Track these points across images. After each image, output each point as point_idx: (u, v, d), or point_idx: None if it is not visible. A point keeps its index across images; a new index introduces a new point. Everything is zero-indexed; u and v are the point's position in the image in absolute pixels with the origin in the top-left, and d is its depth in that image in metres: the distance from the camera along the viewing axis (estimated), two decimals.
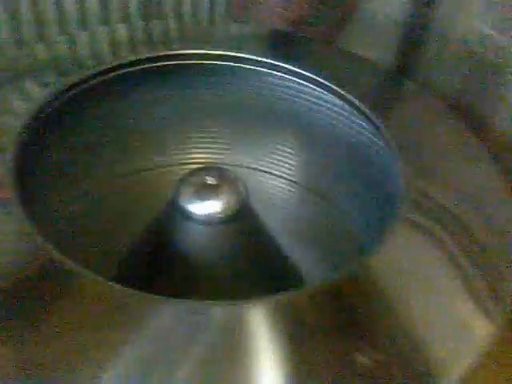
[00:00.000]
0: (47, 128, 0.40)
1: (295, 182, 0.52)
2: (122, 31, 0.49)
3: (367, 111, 0.42)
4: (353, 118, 0.44)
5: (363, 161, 0.45)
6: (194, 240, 0.40)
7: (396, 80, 0.51)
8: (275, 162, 0.53)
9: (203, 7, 0.62)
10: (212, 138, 0.54)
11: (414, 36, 0.58)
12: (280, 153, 0.53)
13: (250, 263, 0.41)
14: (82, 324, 0.27)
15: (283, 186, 0.52)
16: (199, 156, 0.53)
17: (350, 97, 0.44)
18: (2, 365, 0.25)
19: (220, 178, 0.39)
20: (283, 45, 0.52)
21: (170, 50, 0.47)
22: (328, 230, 0.48)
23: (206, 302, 0.28)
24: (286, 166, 0.53)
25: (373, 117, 0.42)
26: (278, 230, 0.44)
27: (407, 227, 0.34)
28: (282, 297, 0.29)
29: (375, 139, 0.42)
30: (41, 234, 0.31)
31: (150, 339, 0.26)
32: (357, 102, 0.43)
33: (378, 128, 0.41)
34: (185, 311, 0.27)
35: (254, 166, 0.53)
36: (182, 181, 0.39)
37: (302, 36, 0.56)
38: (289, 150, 0.53)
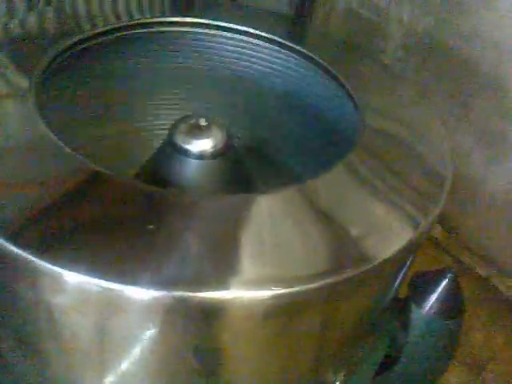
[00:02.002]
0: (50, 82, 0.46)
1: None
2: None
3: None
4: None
5: (319, 117, 0.54)
6: (187, 172, 0.47)
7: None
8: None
9: None
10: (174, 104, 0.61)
11: None
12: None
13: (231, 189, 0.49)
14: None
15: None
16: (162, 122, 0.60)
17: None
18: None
19: (210, 121, 0.47)
20: None
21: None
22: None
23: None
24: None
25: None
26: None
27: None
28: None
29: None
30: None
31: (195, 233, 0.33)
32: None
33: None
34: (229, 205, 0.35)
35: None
36: (178, 123, 0.47)
37: None
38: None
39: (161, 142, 0.49)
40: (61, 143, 0.38)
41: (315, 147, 0.55)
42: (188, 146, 0.46)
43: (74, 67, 0.50)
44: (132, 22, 0.52)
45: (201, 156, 0.46)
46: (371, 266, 0.34)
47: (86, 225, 0.33)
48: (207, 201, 0.36)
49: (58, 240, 0.32)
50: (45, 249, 0.31)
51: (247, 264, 0.32)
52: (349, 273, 0.33)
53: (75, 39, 0.49)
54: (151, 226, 0.33)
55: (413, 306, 0.50)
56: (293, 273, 0.32)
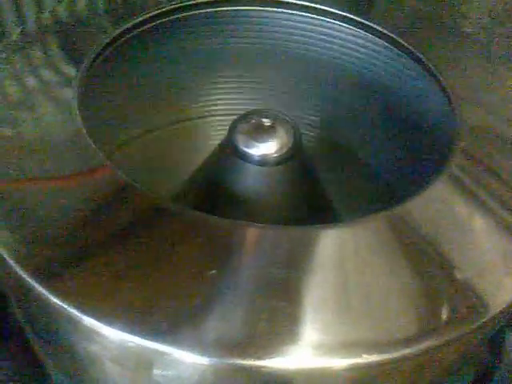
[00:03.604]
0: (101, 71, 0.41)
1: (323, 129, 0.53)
2: None
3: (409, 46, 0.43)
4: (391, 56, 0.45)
5: (401, 105, 0.46)
6: (248, 180, 0.41)
7: None
8: (305, 110, 0.54)
9: None
10: (241, 88, 0.54)
11: None
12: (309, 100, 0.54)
13: (300, 203, 0.42)
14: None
15: (312, 134, 0.53)
16: (227, 107, 0.54)
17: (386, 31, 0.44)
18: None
19: (275, 120, 0.40)
20: None
21: None
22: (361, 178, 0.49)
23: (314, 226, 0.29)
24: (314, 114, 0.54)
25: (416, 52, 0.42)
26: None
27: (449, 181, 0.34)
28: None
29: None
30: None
31: (251, 268, 0.27)
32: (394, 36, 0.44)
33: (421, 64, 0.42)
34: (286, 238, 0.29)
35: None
36: (237, 122, 0.40)
37: None
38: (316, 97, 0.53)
39: (219, 139, 0.43)
40: (95, 147, 0.32)
41: (398, 142, 0.47)
42: (248, 150, 0.39)
43: (126, 54, 0.43)
44: (188, 2, 0.45)
45: (263, 162, 0.39)
46: (484, 320, 0.27)
47: (129, 269, 0.27)
48: (278, 234, 0.29)
49: (97, 292, 0.26)
50: (81, 301, 0.26)
51: (327, 322, 0.26)
52: (458, 331, 0.26)
53: (128, 25, 0.42)
54: (213, 271, 0.27)
55: (506, 331, 0.44)
56: (388, 334, 0.26)
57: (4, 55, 0.38)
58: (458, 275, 0.28)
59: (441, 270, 0.29)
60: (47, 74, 0.38)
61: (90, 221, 0.29)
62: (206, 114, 0.52)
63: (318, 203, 0.43)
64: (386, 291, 0.27)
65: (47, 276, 0.27)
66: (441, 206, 0.32)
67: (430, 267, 0.29)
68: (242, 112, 0.49)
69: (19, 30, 0.40)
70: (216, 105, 0.52)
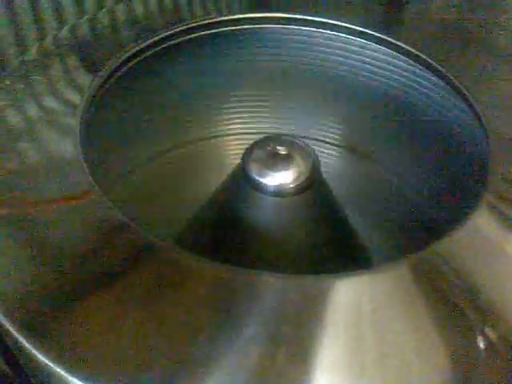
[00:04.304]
0: (114, 90, 0.39)
1: (352, 150, 0.50)
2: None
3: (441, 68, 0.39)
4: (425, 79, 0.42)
5: (436, 128, 0.43)
6: (263, 212, 0.38)
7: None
8: (329, 128, 0.51)
9: None
10: (261, 106, 0.52)
11: None
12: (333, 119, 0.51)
13: (319, 237, 0.39)
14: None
15: (338, 154, 0.51)
16: (247, 126, 0.52)
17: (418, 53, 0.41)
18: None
19: (291, 147, 0.37)
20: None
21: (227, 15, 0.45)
22: (392, 204, 0.46)
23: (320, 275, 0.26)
24: (338, 132, 0.51)
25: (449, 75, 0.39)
26: (341, 202, 0.43)
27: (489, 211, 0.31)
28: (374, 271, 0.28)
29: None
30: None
31: (256, 324, 0.25)
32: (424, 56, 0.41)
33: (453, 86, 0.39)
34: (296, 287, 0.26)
35: (305, 134, 0.52)
36: (251, 150, 0.38)
37: None
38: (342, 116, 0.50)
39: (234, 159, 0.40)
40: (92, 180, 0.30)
41: (426, 161, 0.44)
42: (263, 180, 0.37)
43: (137, 76, 0.42)
44: (210, 20, 0.43)
45: (279, 192, 0.37)
46: None
47: (120, 320, 0.25)
48: (288, 284, 0.26)
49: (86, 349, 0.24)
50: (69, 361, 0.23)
51: None
52: None
53: (142, 45, 0.41)
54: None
55: None
56: None
57: (8, 82, 0.37)
58: (494, 335, 0.25)
59: (476, 328, 0.25)
60: (51, 102, 0.36)
61: (78, 263, 0.27)
62: (221, 133, 0.50)
63: (339, 238, 0.40)
64: (407, 352, 0.24)
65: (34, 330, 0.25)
66: (478, 242, 0.29)
67: (462, 324, 0.25)
68: (260, 133, 0.47)
69: (21, 57, 0.38)
70: (233, 123, 0.50)
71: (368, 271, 0.27)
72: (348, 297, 0.26)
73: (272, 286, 0.26)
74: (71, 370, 0.23)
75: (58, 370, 0.24)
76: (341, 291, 0.26)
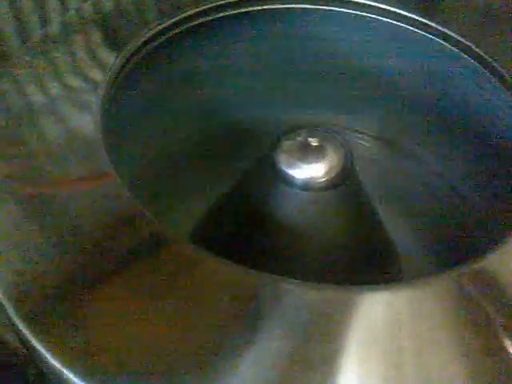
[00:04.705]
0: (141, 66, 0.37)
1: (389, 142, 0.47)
2: None
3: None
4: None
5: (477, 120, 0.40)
6: (288, 206, 0.36)
7: None
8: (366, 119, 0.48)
9: None
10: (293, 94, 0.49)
11: None
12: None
13: (347, 238, 0.37)
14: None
15: (377, 148, 0.48)
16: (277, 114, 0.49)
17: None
18: None
19: (324, 139, 0.35)
20: None
21: None
22: (430, 204, 0.43)
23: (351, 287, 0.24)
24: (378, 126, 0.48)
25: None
26: (374, 198, 0.40)
27: None
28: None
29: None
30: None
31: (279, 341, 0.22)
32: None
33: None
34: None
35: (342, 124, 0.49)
36: (280, 139, 0.35)
37: None
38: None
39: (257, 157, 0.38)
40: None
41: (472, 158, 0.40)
42: (291, 172, 0.34)
43: (162, 55, 0.39)
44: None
45: (308, 186, 0.34)
46: None
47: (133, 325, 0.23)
48: (316, 295, 0.24)
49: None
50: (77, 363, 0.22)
51: None
52: None
53: (168, 22, 0.38)
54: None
55: None
56: None
57: (27, 58, 0.35)
58: None
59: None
60: (72, 79, 0.34)
61: (90, 249, 0.25)
62: (248, 119, 0.47)
63: (372, 238, 0.38)
64: (453, 377, 0.22)
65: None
66: None
67: (506, 342, 0.23)
68: (291, 120, 0.44)
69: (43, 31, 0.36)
70: (261, 109, 0.47)
71: (408, 284, 0.25)
72: (384, 312, 0.23)
73: (299, 298, 0.24)
74: (78, 358, 0.22)
75: (61, 360, 0.22)
76: (376, 306, 0.24)
